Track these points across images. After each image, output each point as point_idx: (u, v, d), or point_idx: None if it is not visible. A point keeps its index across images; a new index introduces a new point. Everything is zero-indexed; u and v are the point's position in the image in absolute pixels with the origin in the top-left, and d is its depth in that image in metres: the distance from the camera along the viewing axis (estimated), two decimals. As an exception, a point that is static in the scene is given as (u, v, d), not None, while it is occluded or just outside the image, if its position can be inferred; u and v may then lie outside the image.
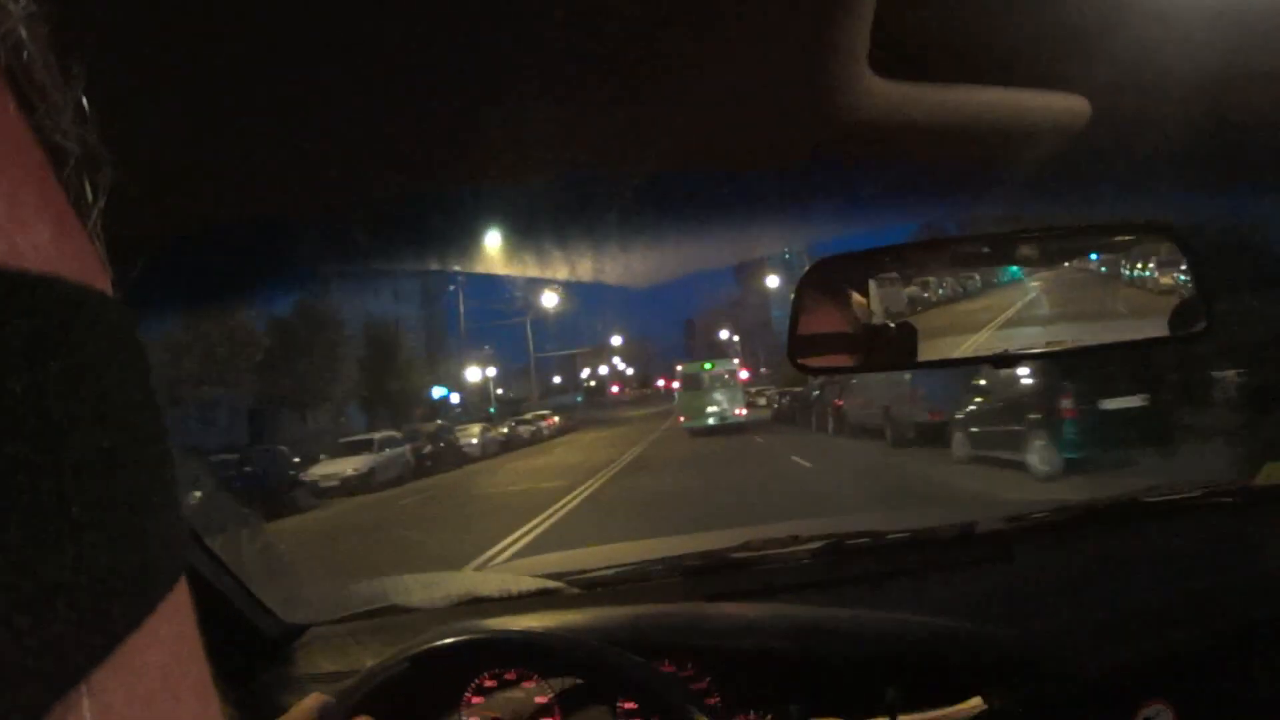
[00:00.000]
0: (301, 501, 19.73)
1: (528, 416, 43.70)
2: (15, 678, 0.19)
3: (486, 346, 59.06)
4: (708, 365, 32.08)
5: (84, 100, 0.26)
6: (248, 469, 19.02)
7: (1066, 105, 1.21)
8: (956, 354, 1.38)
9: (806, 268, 1.36)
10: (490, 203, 1.28)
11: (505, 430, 36.18)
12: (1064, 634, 1.46)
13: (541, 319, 61.76)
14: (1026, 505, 1.89)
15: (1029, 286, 1.40)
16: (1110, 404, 10.84)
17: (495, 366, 59.26)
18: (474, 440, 30.87)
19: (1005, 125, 1.18)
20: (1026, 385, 11.76)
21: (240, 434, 27.00)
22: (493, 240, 1.44)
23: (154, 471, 0.25)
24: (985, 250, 1.40)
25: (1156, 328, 1.36)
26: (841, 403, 21.72)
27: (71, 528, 0.21)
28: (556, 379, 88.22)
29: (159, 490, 0.25)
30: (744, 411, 30.65)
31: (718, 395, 30.15)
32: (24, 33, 0.24)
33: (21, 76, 0.24)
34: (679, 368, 34.59)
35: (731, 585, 1.69)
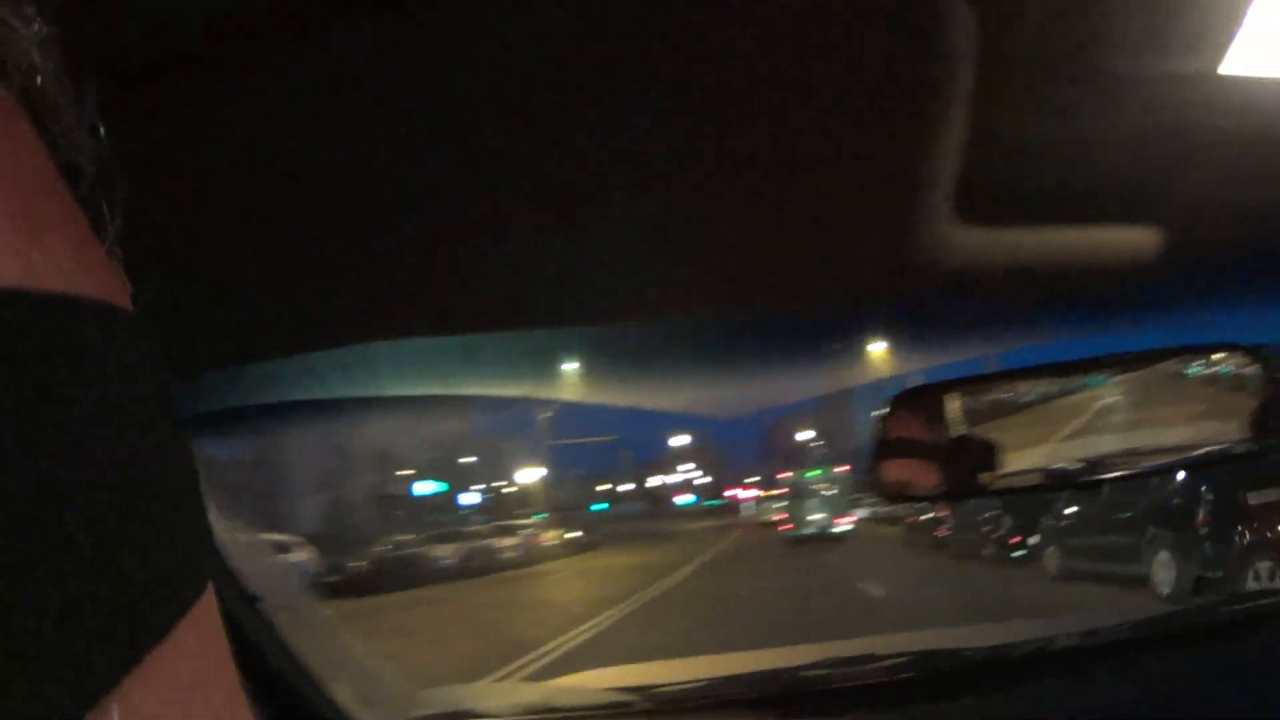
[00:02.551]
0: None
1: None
2: (46, 688, 0.19)
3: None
4: (816, 473, 31.06)
5: (98, 120, 0.27)
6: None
7: (1140, 238, 1.23)
8: (1036, 465, 1.40)
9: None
10: (574, 339, 1.34)
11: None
12: None
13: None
14: (1106, 618, 1.83)
15: (1106, 392, 1.43)
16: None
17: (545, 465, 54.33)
18: None
19: (1082, 260, 1.22)
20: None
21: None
22: (574, 369, 1.49)
23: (177, 483, 0.26)
24: (1065, 376, 1.43)
25: (1239, 430, 1.37)
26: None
27: (97, 541, 0.21)
28: (623, 486, 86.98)
29: (182, 501, 0.26)
30: (850, 520, 28.84)
31: (821, 503, 29.02)
32: (36, 55, 0.24)
33: (35, 98, 0.24)
34: (787, 475, 33.30)
35: (805, 705, 1.67)
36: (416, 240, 1.00)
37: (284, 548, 19.24)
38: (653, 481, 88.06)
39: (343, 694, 1.63)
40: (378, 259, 1.04)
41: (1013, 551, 14.10)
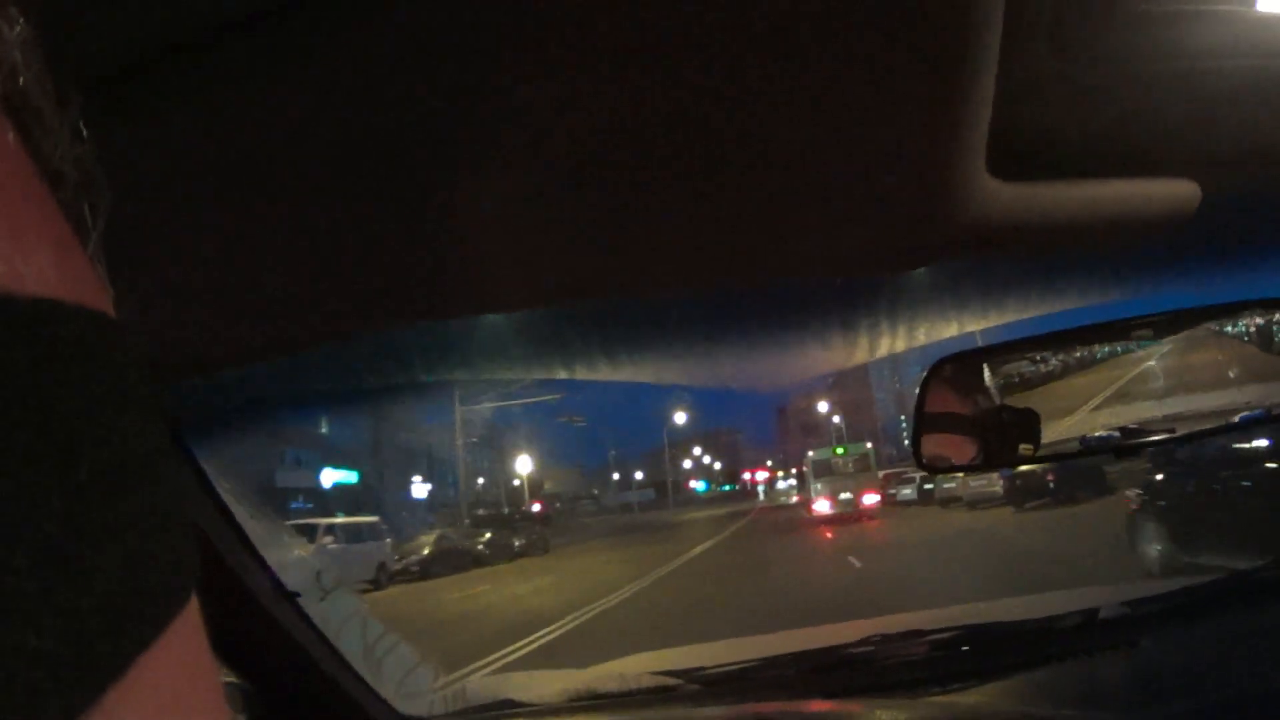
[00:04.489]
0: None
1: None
2: (29, 699, 0.19)
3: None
4: (840, 450, 30.74)
5: (80, 124, 0.27)
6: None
7: (1177, 190, 1.21)
8: (1073, 434, 1.38)
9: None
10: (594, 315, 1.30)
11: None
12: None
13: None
14: (1147, 588, 1.82)
15: (1146, 357, 1.40)
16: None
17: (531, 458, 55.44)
18: None
19: (1118, 215, 1.18)
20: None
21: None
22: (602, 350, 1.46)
23: (161, 490, 0.25)
24: (1101, 339, 1.40)
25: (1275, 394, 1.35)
26: None
27: (80, 549, 0.21)
28: (638, 474, 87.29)
29: (167, 509, 0.25)
30: (876, 498, 28.25)
31: (848, 481, 28.51)
32: (19, 58, 0.24)
33: (18, 102, 0.24)
34: (810, 453, 32.60)
35: (851, 681, 1.66)
36: (430, 226, 0.98)
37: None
38: (680, 471, 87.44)
39: (384, 687, 1.64)
40: (373, 251, 1.02)
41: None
